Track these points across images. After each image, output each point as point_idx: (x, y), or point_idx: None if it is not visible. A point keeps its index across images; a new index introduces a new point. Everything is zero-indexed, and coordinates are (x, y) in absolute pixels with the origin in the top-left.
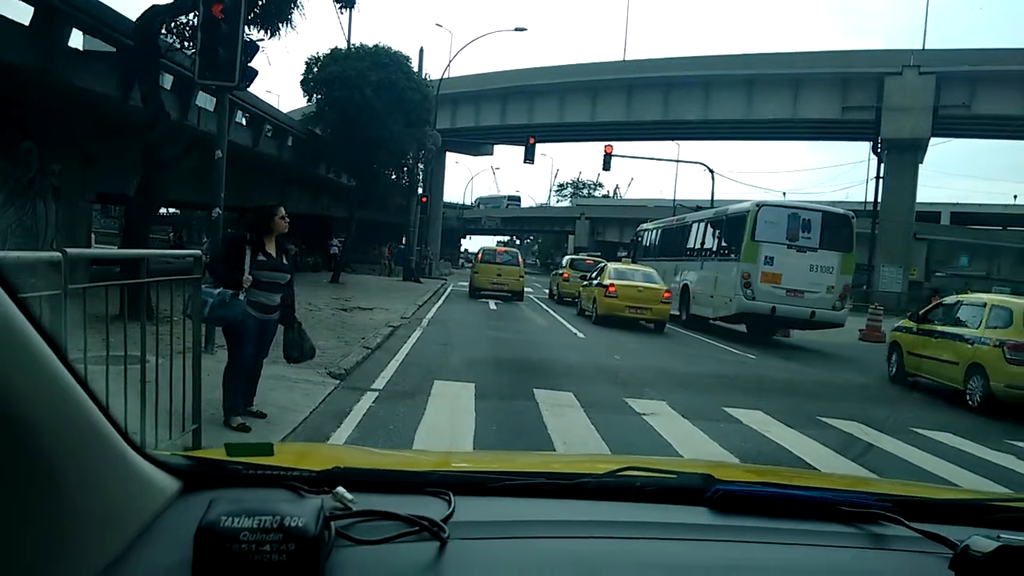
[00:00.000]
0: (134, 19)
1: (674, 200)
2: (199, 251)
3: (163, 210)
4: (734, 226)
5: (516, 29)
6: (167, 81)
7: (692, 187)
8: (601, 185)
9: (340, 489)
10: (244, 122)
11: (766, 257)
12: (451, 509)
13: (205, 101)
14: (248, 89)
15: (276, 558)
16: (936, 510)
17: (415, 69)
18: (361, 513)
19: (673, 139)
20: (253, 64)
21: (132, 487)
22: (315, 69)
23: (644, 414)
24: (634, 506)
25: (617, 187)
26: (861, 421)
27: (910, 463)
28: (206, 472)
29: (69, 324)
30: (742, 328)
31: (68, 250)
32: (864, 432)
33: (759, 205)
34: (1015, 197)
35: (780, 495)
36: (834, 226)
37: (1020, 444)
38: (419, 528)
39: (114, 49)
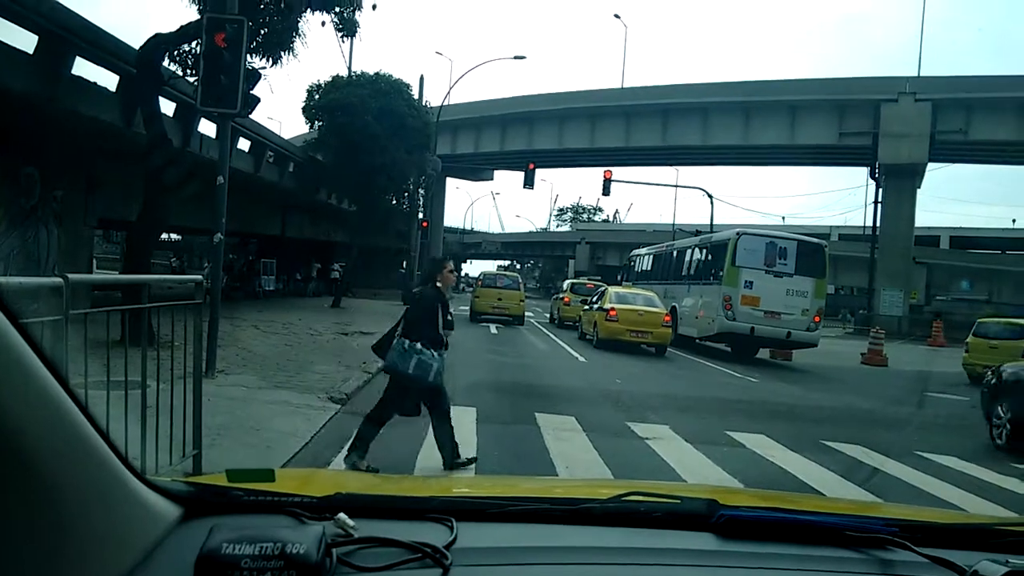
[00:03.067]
0: (138, 47)
1: (673, 225)
2: (200, 276)
3: (165, 235)
4: (717, 252)
5: (515, 57)
6: (170, 108)
7: (691, 211)
8: (601, 210)
9: (342, 515)
10: (246, 148)
11: (746, 281)
12: (454, 535)
13: (207, 128)
14: (250, 116)
15: None
16: (943, 535)
17: (415, 96)
18: (363, 540)
19: (672, 164)
20: (255, 92)
21: (133, 513)
22: (316, 96)
23: (647, 438)
24: (639, 532)
25: (617, 212)
26: (865, 445)
27: (915, 487)
28: (207, 498)
29: (70, 349)
30: (729, 349)
31: (70, 276)
32: (869, 456)
33: (739, 233)
34: (1013, 221)
35: (786, 520)
36: (808, 253)
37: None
38: (421, 555)
39: (118, 77)
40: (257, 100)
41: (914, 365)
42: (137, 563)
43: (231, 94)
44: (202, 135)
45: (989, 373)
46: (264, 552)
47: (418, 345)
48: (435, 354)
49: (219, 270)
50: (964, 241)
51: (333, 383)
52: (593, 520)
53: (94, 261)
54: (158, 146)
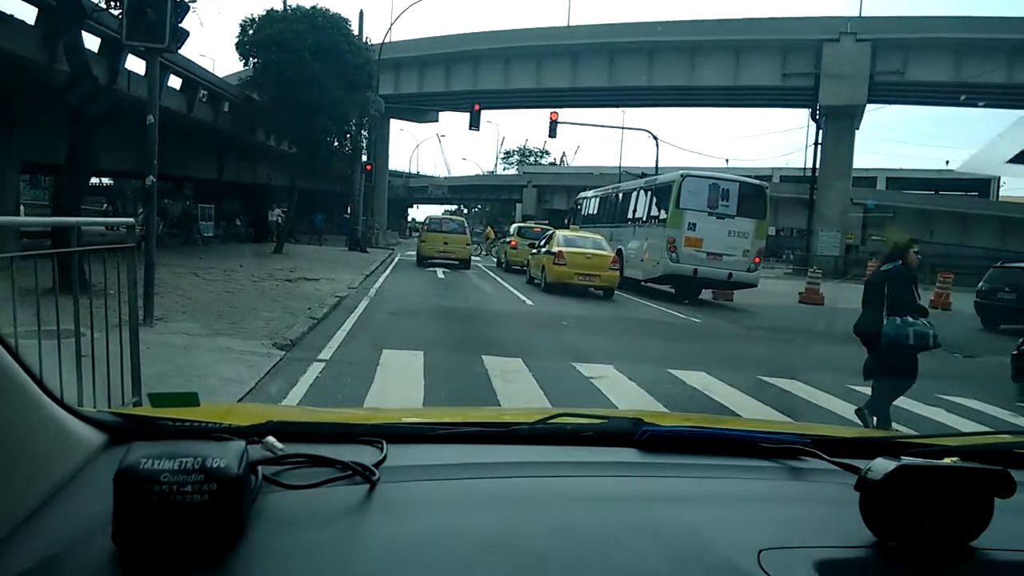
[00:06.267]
0: None
1: (620, 167)
2: (131, 220)
3: (95, 180)
4: (661, 195)
5: None
6: (95, 44)
7: (638, 154)
8: (548, 153)
9: (270, 438)
10: (178, 87)
11: (689, 223)
12: (383, 455)
13: (136, 65)
14: (179, 52)
15: (198, 498)
16: (851, 446)
17: (355, 32)
18: (290, 458)
19: (618, 106)
20: (184, 25)
21: (54, 439)
22: (250, 31)
23: (591, 377)
24: (566, 449)
25: (564, 155)
26: (802, 380)
27: (844, 417)
28: (132, 426)
29: None
30: (673, 290)
31: None
32: (803, 389)
33: (683, 175)
34: (947, 162)
35: (705, 434)
36: (750, 195)
37: (948, 398)
38: (351, 473)
39: (36, 9)
40: (186, 34)
41: (850, 303)
42: (59, 487)
43: (158, 27)
44: (130, 72)
45: None
46: (184, 467)
47: (909, 319)
48: (926, 322)
49: (153, 214)
50: (900, 182)
51: (277, 329)
52: (522, 440)
53: (22, 207)
54: (81, 82)
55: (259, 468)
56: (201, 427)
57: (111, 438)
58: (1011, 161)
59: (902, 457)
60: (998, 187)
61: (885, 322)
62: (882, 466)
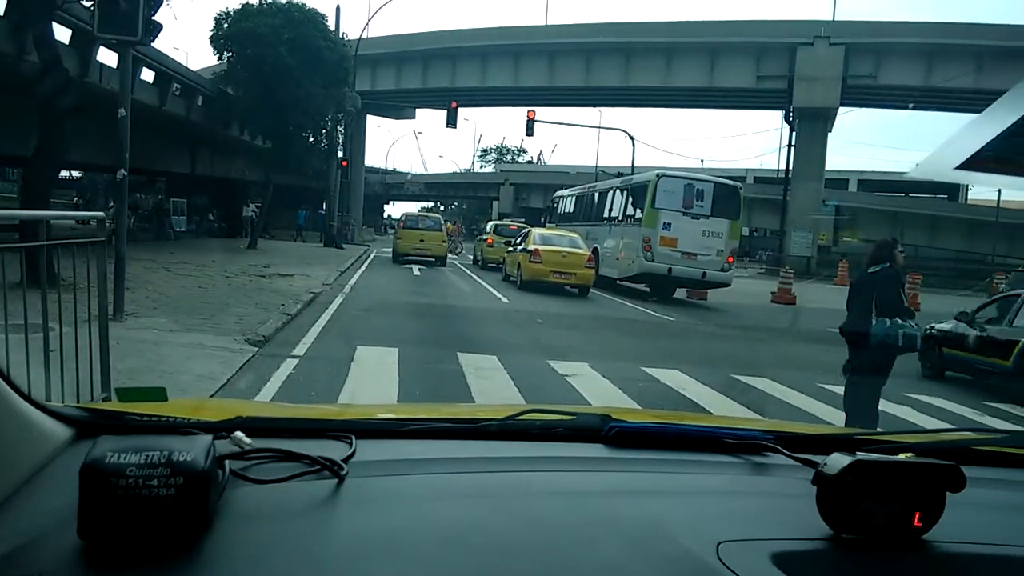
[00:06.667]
0: None
1: (596, 167)
2: (102, 213)
3: (66, 173)
4: (637, 194)
5: None
6: (66, 36)
7: (615, 154)
8: (525, 151)
9: (238, 433)
10: (150, 80)
11: (664, 223)
12: (352, 450)
13: (108, 58)
14: (153, 45)
15: (164, 492)
16: (813, 442)
17: (331, 27)
18: (257, 453)
19: (595, 105)
20: (157, 18)
21: (19, 434)
22: (225, 25)
23: (566, 375)
24: (534, 444)
25: (541, 153)
26: (772, 379)
27: (812, 414)
28: (99, 421)
29: None
30: (648, 289)
31: None
32: (774, 388)
33: (659, 175)
34: (916, 165)
35: (671, 430)
36: (724, 195)
37: (916, 397)
38: (319, 467)
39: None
40: (160, 27)
41: (820, 303)
42: (25, 481)
43: (131, 20)
44: (102, 65)
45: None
46: (150, 460)
47: (898, 321)
48: (913, 324)
49: (124, 208)
50: (871, 184)
51: (250, 325)
52: (492, 436)
53: None
54: (51, 74)
55: (226, 463)
56: (169, 422)
57: (78, 433)
58: (959, 167)
59: (857, 452)
60: (967, 190)
61: (875, 323)
62: (838, 461)
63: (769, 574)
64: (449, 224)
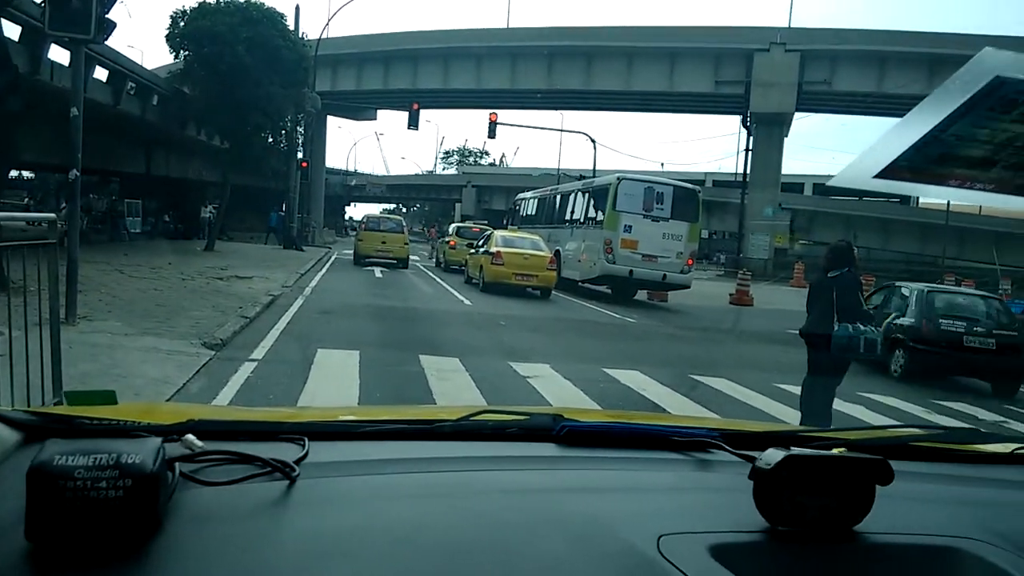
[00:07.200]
0: None
1: (558, 169)
2: (53, 215)
3: (16, 173)
4: (598, 197)
5: None
6: (15, 32)
7: (576, 157)
8: (487, 153)
9: (189, 436)
10: (104, 78)
11: (625, 225)
12: (305, 452)
13: (60, 55)
14: (106, 43)
15: (112, 494)
16: (756, 439)
17: (290, 27)
18: (208, 455)
19: (557, 108)
20: (111, 16)
21: None
22: (181, 23)
23: (527, 377)
24: (488, 444)
25: (503, 155)
26: (731, 379)
27: (767, 413)
28: (48, 425)
29: None
30: (610, 291)
31: None
32: (731, 387)
33: (619, 179)
34: (835, 176)
35: (620, 429)
36: (683, 199)
37: (870, 396)
38: (270, 469)
39: None
40: (113, 25)
41: (777, 304)
42: None
43: (84, 17)
44: (53, 62)
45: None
46: (98, 463)
47: (860, 326)
48: (873, 329)
49: (76, 209)
50: (826, 188)
51: (207, 328)
52: (445, 436)
53: None
54: None
55: (176, 465)
56: (119, 425)
57: (26, 436)
58: (877, 176)
59: (792, 448)
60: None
61: (836, 328)
62: (772, 456)
63: (707, 565)
64: (432, 228)
